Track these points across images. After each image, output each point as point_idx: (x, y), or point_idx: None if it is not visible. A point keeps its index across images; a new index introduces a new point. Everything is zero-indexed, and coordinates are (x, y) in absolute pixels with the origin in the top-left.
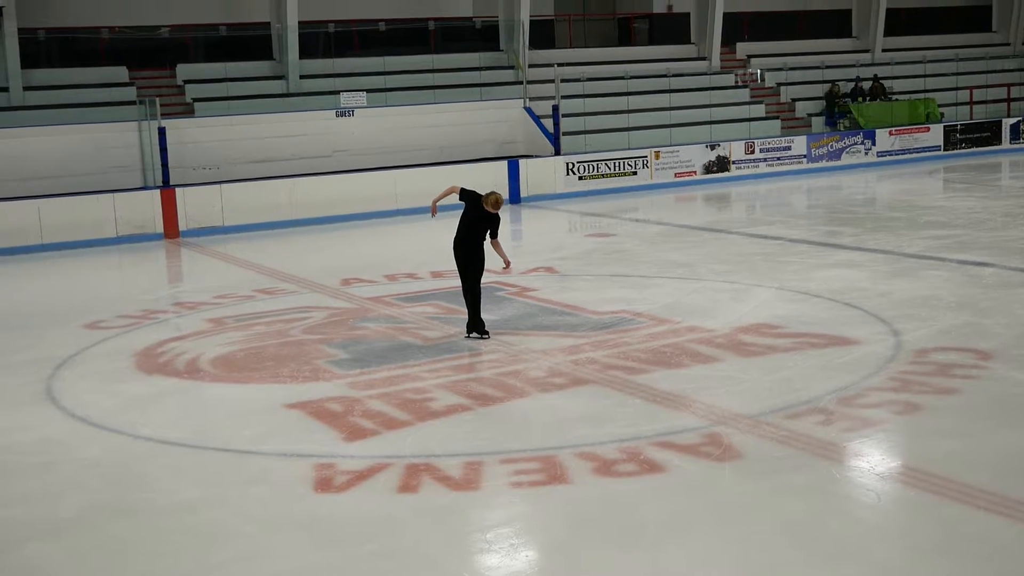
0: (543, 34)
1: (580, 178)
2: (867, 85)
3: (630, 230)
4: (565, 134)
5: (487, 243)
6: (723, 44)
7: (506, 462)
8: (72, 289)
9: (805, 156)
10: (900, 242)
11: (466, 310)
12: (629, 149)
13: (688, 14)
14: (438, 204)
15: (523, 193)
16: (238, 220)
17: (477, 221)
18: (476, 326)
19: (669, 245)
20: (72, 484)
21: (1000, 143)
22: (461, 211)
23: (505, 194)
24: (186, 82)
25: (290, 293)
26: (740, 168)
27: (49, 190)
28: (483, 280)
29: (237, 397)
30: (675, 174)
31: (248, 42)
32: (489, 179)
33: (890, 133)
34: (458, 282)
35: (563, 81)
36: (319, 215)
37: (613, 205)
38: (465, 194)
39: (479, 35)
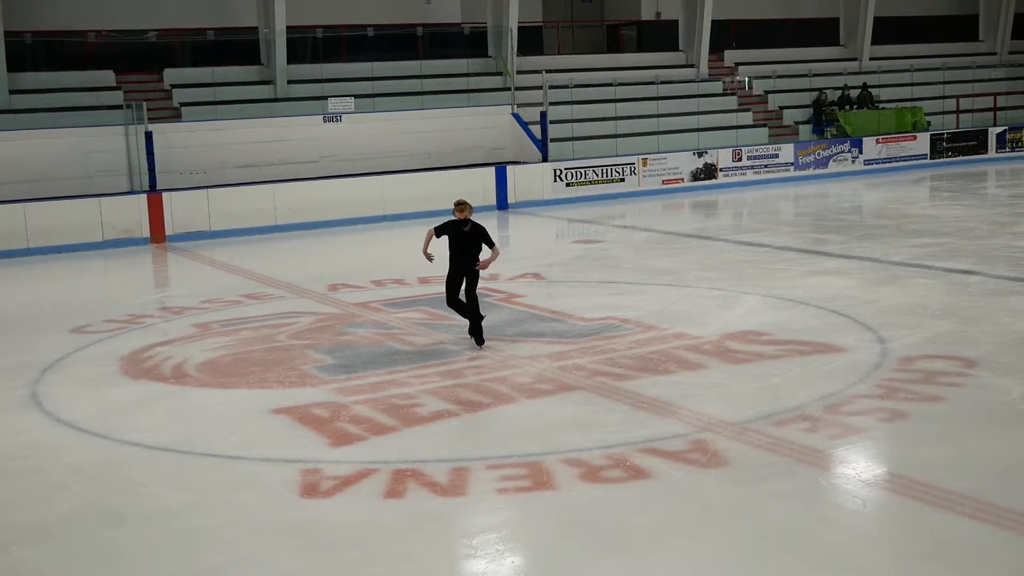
0: (531, 40)
1: (568, 185)
2: (855, 93)
3: (617, 237)
4: (553, 140)
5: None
6: (711, 51)
7: (492, 468)
8: (58, 293)
9: (792, 164)
10: (887, 250)
11: (456, 317)
12: (617, 156)
13: (676, 21)
14: (428, 250)
15: (511, 199)
16: (225, 225)
17: (465, 243)
18: (477, 330)
19: (656, 252)
20: (57, 489)
21: (986, 152)
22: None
23: (492, 200)
24: (173, 86)
25: (277, 298)
26: (727, 175)
27: (35, 194)
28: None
29: (223, 402)
30: (663, 181)
31: (236, 47)
32: (477, 185)
33: (877, 141)
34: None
35: (551, 88)
36: (306, 220)
37: (601, 212)
38: (440, 229)
39: (467, 41)
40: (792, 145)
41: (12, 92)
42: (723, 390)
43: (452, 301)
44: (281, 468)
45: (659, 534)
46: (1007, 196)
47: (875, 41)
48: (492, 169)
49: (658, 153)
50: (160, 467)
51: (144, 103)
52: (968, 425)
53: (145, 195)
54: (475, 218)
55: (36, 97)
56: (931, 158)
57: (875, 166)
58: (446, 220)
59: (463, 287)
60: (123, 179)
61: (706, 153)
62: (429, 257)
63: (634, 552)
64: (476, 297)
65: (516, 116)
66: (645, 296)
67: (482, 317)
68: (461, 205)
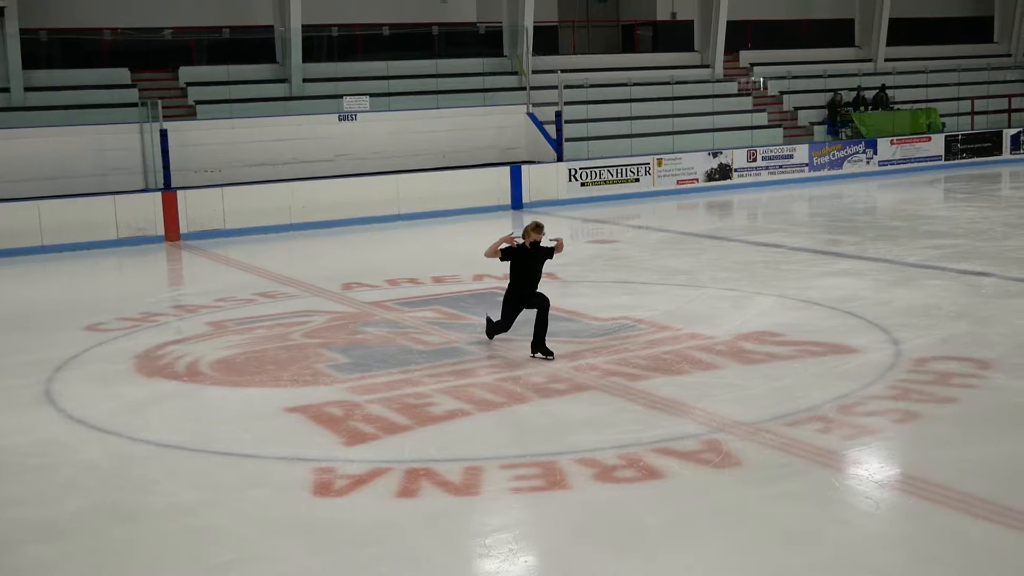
0: (547, 40)
1: (582, 184)
2: (869, 94)
3: (632, 237)
4: (568, 140)
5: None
6: (726, 52)
7: (506, 467)
8: (72, 291)
9: (807, 164)
10: (900, 251)
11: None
12: (631, 156)
13: (691, 21)
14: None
15: (525, 199)
16: (239, 223)
17: (530, 262)
18: (541, 346)
19: (671, 252)
20: (70, 486)
21: (1001, 153)
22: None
23: (507, 199)
24: (188, 84)
25: (291, 297)
26: (742, 176)
27: (50, 191)
28: (484, 286)
29: (237, 400)
30: (677, 181)
31: (251, 45)
32: (492, 184)
33: (891, 142)
34: (460, 287)
35: (566, 87)
36: (320, 219)
37: (615, 212)
38: (507, 254)
39: (483, 40)
40: (807, 146)
41: (27, 89)
42: (736, 390)
43: (507, 321)
44: (294, 466)
45: (672, 534)
46: (1021, 198)
47: (890, 42)
48: (507, 168)
49: (673, 153)
50: (173, 465)
51: (159, 101)
52: (981, 426)
53: (160, 193)
54: (490, 218)
55: (51, 95)
56: (946, 159)
57: (890, 167)
58: (511, 247)
59: (536, 306)
60: (138, 177)
61: (721, 153)
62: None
63: (647, 552)
64: (546, 323)
65: (531, 115)
66: (659, 296)
67: (544, 343)
68: (537, 227)
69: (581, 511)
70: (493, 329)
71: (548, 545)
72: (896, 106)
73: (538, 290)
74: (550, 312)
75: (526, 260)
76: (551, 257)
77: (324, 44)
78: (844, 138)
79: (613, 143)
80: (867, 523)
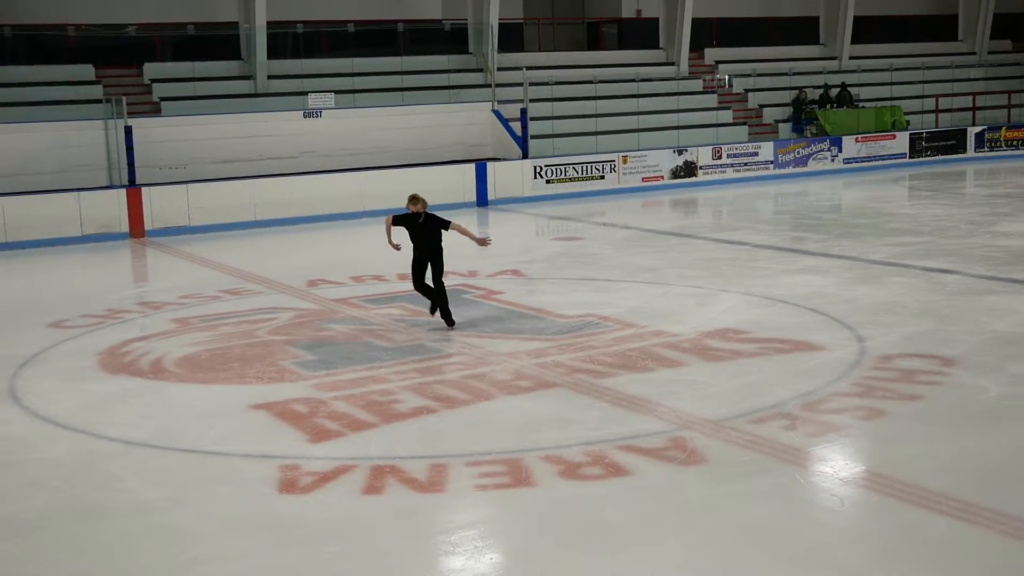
0: (512, 37)
1: (548, 182)
2: (834, 92)
3: (597, 234)
4: (533, 137)
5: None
6: (691, 49)
7: (471, 464)
8: (36, 288)
9: (772, 162)
10: (865, 249)
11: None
12: (597, 153)
13: (657, 19)
14: (393, 240)
15: (491, 196)
16: (204, 220)
17: (419, 235)
18: (446, 313)
19: (636, 249)
20: (34, 484)
21: (965, 151)
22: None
23: (472, 197)
24: (153, 81)
25: (256, 294)
26: (707, 173)
27: (13, 188)
28: (450, 283)
29: (202, 397)
30: (642, 179)
31: (216, 42)
32: (457, 182)
33: (856, 140)
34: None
35: (531, 84)
36: (286, 216)
37: (580, 209)
38: (397, 219)
39: (448, 37)
40: (772, 143)
41: None
42: (702, 388)
43: (418, 285)
44: (259, 464)
45: (637, 531)
46: (985, 195)
47: (855, 40)
48: (472, 166)
49: (638, 151)
50: (138, 462)
51: (123, 98)
52: (945, 423)
53: (124, 190)
54: (455, 215)
55: (15, 91)
56: (910, 157)
57: (854, 165)
58: (402, 211)
59: (429, 273)
60: (102, 173)
61: (686, 151)
62: (395, 247)
63: (612, 549)
64: (443, 284)
65: (496, 113)
66: (624, 293)
67: (447, 301)
68: (414, 199)
69: (547, 508)
70: (433, 308)
71: (514, 542)
72: (861, 104)
73: (437, 260)
74: (512, 308)
75: (416, 230)
76: (444, 223)
77: (289, 41)
78: (809, 136)
79: (578, 140)
80: (832, 520)
